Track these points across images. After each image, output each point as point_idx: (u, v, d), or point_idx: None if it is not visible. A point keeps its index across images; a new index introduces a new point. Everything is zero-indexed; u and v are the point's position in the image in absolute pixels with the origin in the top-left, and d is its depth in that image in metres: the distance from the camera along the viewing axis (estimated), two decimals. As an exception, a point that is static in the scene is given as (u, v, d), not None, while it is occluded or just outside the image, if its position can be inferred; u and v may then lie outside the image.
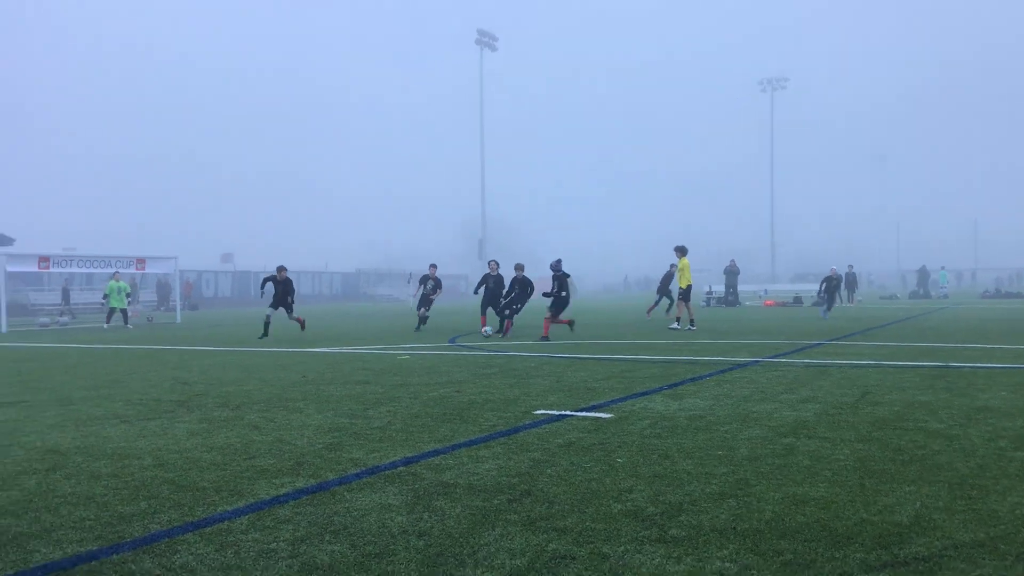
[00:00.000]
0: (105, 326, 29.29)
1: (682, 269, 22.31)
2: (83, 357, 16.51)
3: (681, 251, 22.42)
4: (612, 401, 9.05)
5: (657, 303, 28.94)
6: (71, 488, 5.54)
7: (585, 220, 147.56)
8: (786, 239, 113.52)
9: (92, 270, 31.10)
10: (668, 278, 28.09)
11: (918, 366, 12.00)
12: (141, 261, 32.92)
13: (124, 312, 29.95)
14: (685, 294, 21.94)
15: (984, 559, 3.88)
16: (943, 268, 60.37)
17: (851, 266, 45.30)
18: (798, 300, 42.84)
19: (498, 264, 22.24)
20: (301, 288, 72.57)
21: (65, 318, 34.76)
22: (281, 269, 21.43)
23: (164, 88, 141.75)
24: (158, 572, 3.89)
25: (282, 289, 21.23)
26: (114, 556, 4.13)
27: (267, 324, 21.04)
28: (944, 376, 10.79)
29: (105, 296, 30.47)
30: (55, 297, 43.94)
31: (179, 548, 4.24)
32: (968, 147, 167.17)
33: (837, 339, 17.64)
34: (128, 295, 30.97)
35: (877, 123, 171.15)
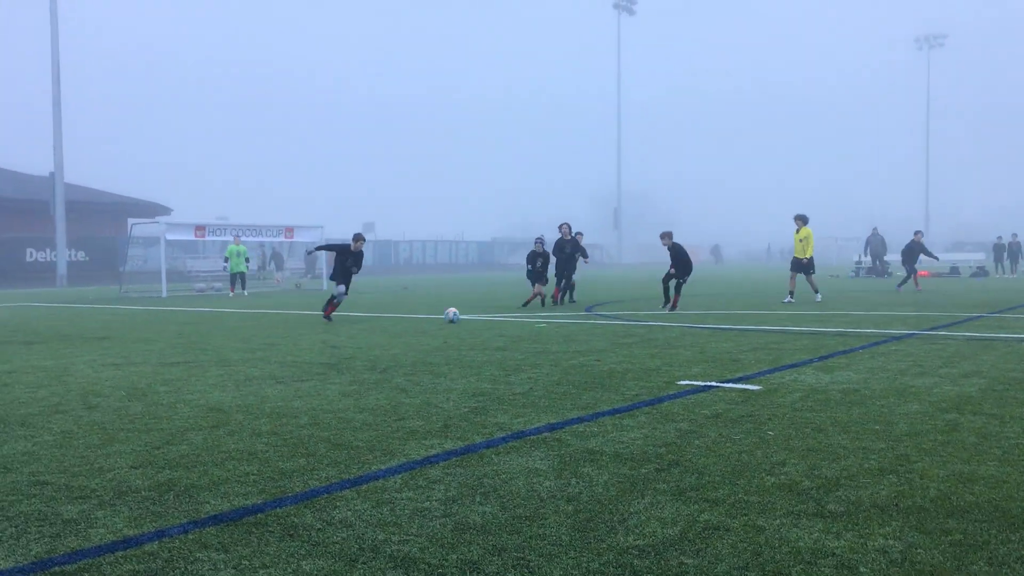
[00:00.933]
0: (231, 294, 28.57)
1: (804, 239, 21.02)
2: (239, 321, 17.37)
3: (802, 220, 21.07)
4: (760, 373, 8.82)
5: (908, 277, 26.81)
6: (235, 444, 5.83)
7: (724, 189, 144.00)
8: (942, 208, 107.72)
9: (245, 238, 32.51)
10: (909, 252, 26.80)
11: (1094, 341, 11.16)
12: (290, 230, 34.29)
13: (243, 277, 29.54)
14: (808, 266, 20.77)
15: None
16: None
17: (1015, 235, 42.51)
18: (955, 271, 40.55)
19: (570, 228, 21.14)
20: (439, 256, 74.19)
21: (219, 284, 36.66)
22: (358, 238, 17.19)
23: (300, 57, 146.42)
24: (319, 526, 4.04)
25: (353, 262, 16.99)
26: (277, 510, 4.32)
27: (336, 303, 16.91)
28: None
29: (226, 259, 30.19)
30: (211, 264, 46.37)
31: (338, 504, 4.40)
32: None
33: (1001, 312, 16.61)
34: (248, 260, 30.54)
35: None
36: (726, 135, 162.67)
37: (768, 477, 4.80)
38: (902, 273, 28.24)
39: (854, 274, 40.06)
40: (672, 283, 18.47)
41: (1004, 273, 40.39)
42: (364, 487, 4.70)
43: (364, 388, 8.14)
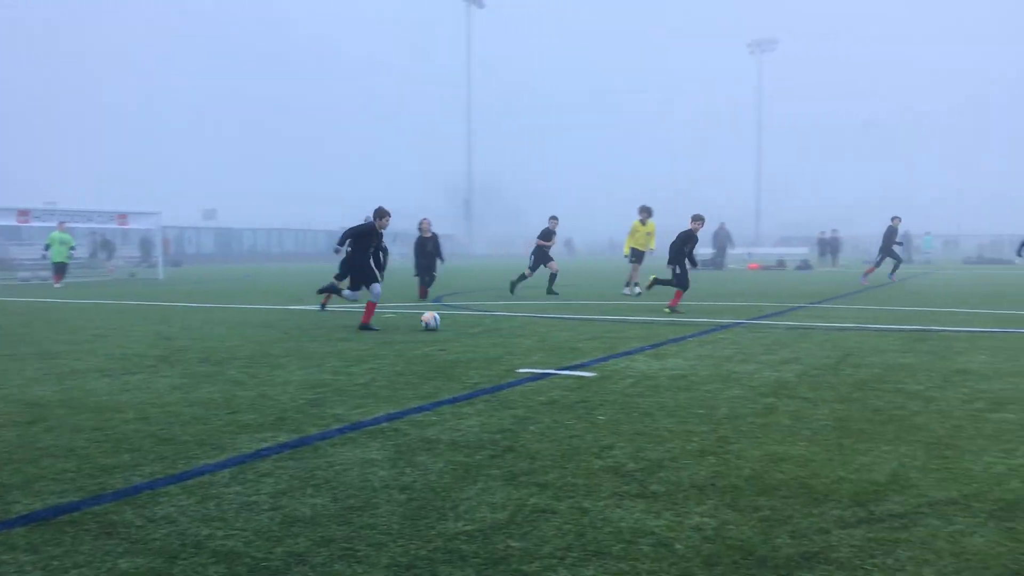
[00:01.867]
0: (56, 284, 26.19)
1: (651, 232, 21.18)
2: (65, 312, 16.41)
3: (647, 212, 21.04)
4: (595, 360, 9.08)
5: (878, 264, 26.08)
6: (52, 440, 5.53)
7: (573, 183, 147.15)
8: (772, 204, 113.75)
9: (74, 224, 30.65)
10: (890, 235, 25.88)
11: (899, 329, 12.10)
12: (123, 216, 32.61)
13: (63, 267, 26.95)
14: (641, 258, 20.91)
15: (957, 517, 3.94)
16: (928, 233, 60.65)
17: (835, 230, 45.49)
18: (781, 264, 43.00)
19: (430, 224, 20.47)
20: (284, 245, 72.42)
21: (45, 273, 34.51)
22: (383, 213, 12.61)
23: (144, 41, 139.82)
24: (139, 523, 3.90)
25: (379, 246, 12.96)
26: (95, 507, 4.13)
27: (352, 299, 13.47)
28: (925, 339, 10.88)
29: (47, 247, 27.43)
30: (37, 252, 43.56)
31: (161, 500, 4.25)
32: (952, 116, 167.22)
33: (819, 302, 17.74)
34: (72, 248, 27.95)
35: (865, 88, 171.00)
36: (574, 129, 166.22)
37: (596, 460, 4.97)
38: (735, 266, 29.53)
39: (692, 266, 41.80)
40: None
41: (827, 266, 43.13)
42: (190, 482, 4.56)
43: (196, 381, 7.87)
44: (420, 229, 20.12)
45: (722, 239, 41.39)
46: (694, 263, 16.54)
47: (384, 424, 5.98)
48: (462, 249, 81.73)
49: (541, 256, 20.68)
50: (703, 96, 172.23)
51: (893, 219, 25.81)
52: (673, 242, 15.94)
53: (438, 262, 20.18)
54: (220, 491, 4.39)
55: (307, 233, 75.38)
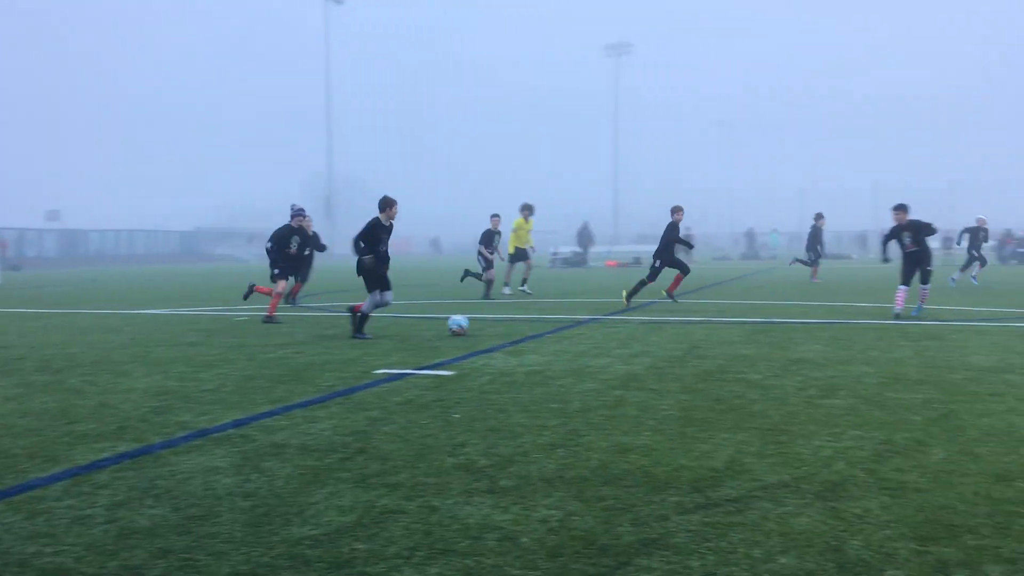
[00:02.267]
0: None
1: (519, 229, 21.12)
2: None
3: (529, 210, 21.04)
4: (454, 359, 9.11)
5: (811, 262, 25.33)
6: None
7: (439, 181, 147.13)
8: (629, 202, 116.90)
9: None
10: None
11: (743, 322, 12.67)
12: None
13: None
14: (520, 256, 20.90)
15: (787, 498, 4.16)
16: (774, 230, 63.72)
17: (688, 228, 47.12)
18: (638, 261, 44.25)
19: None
20: (136, 247, 69.32)
21: None
22: (391, 203, 11.58)
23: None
24: (-42, 544, 3.66)
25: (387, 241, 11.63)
26: (-91, 530, 3.85)
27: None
28: (766, 331, 11.43)
29: None
30: None
31: (-17, 519, 4.00)
32: (795, 118, 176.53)
33: (669, 298, 18.34)
34: None
35: (718, 90, 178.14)
36: (437, 126, 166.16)
37: (449, 458, 4.99)
38: (595, 263, 30.06)
39: (551, 264, 42.55)
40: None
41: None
42: (17, 498, 4.30)
43: (32, 391, 7.44)
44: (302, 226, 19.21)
45: (585, 238, 42.26)
46: (690, 245, 17.77)
47: (231, 430, 5.82)
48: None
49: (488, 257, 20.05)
50: (563, 97, 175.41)
51: (817, 218, 25.60)
52: (663, 235, 16.55)
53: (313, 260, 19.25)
54: (51, 506, 4.17)
55: (159, 234, 72.40)
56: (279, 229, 14.38)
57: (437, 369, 8.41)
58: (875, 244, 72.07)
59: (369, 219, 11.35)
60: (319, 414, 6.31)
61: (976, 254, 21.92)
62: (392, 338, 11.14)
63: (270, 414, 6.34)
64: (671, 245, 16.55)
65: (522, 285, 19.93)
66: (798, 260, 26.17)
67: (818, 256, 25.11)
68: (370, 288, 11.35)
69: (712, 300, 17.41)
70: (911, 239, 12.78)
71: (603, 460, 4.90)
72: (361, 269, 11.23)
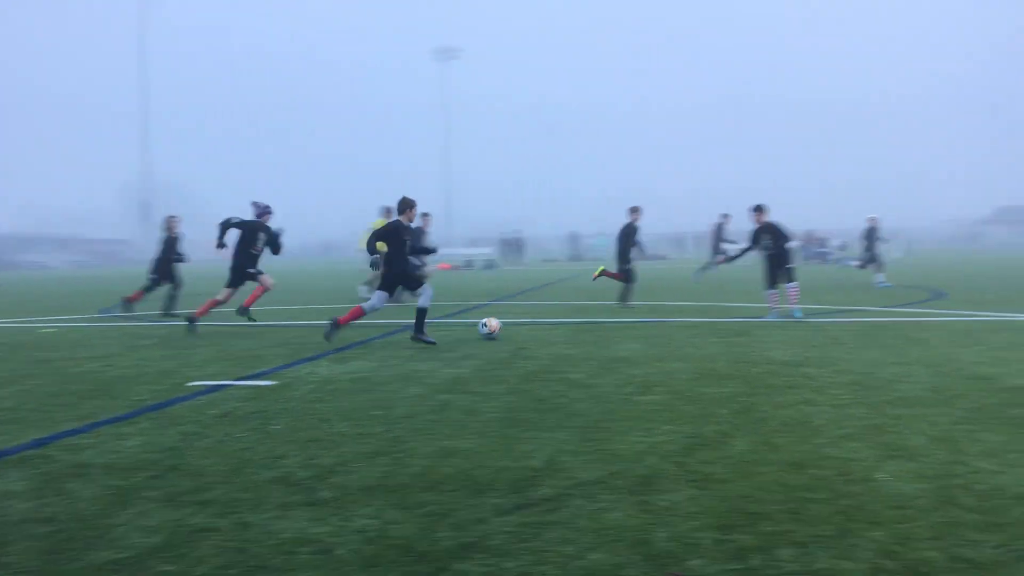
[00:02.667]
0: None
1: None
2: None
3: (390, 211, 20.21)
4: (276, 368, 8.87)
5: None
6: None
7: (269, 182, 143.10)
8: (461, 205, 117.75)
9: None
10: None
11: (568, 322, 13.01)
12: None
13: None
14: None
15: (601, 495, 4.30)
16: (600, 233, 65.79)
17: (518, 230, 47.97)
18: (469, 264, 44.62)
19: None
20: (-74, 255, 63.45)
21: None
22: (410, 204, 11.28)
23: None
24: None
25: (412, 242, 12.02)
26: None
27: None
28: (589, 331, 11.78)
29: None
30: None
31: None
32: (633, 121, 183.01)
33: (501, 299, 18.62)
34: None
35: (549, 95, 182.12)
36: (263, 125, 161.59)
37: (266, 472, 4.85)
38: (428, 266, 30.03)
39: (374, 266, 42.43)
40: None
41: (511, 265, 45.36)
42: None
43: None
44: (168, 228, 17.06)
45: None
46: (642, 250, 16.73)
47: (31, 451, 5.43)
48: (139, 254, 76.39)
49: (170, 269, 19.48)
50: (395, 100, 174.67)
51: (722, 216, 25.31)
52: (620, 236, 16.12)
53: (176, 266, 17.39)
54: None
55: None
56: (246, 223, 13.21)
57: (258, 379, 8.16)
58: (692, 245, 75.73)
59: (393, 223, 11.12)
60: (128, 430, 5.99)
61: (871, 253, 22.18)
62: (210, 347, 10.73)
63: (75, 432, 5.96)
64: (629, 247, 16.30)
65: (364, 285, 19.70)
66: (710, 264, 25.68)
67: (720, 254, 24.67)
68: (390, 288, 11.24)
69: (539, 301, 17.77)
70: (771, 241, 12.86)
71: (425, 466, 4.90)
72: (394, 274, 11.19)
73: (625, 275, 16.01)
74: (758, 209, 13.12)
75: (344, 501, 4.27)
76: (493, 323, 11.18)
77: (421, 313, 10.86)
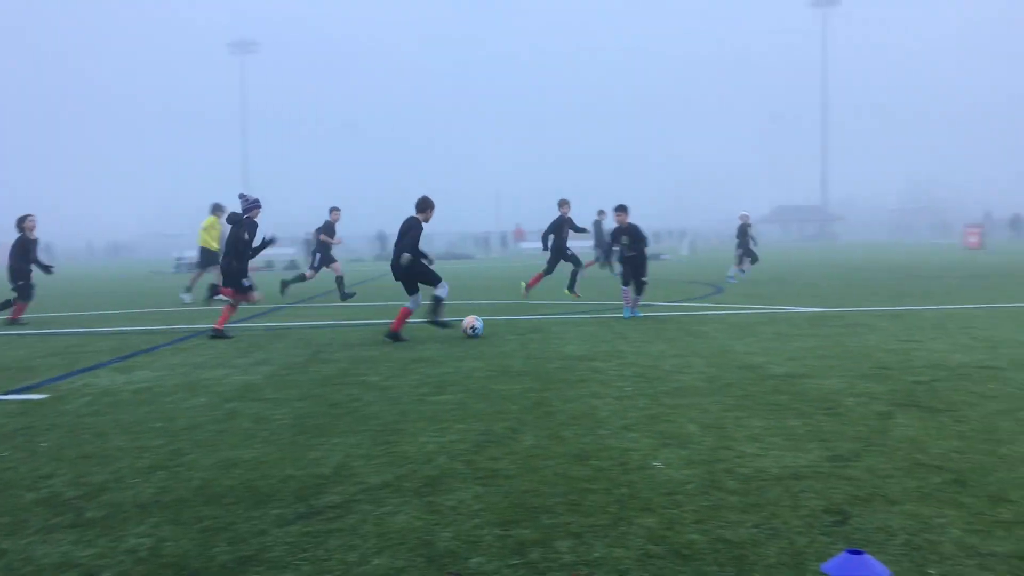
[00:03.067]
0: None
1: (211, 228, 18.59)
2: None
3: (220, 209, 18.22)
4: (50, 380, 8.26)
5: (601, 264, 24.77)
6: None
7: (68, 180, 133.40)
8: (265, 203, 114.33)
9: None
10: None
11: (369, 324, 12.89)
12: None
13: None
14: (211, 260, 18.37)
15: (388, 498, 4.28)
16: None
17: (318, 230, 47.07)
18: (270, 265, 43.35)
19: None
20: None
21: None
22: (431, 204, 11.29)
23: None
24: None
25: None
26: None
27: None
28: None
29: None
30: None
31: None
32: (410, 118, 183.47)
33: (301, 302, 18.19)
34: None
35: (344, 91, 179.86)
36: (62, 128, 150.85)
37: (29, 493, 4.50)
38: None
39: (176, 269, 40.42)
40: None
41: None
42: None
43: None
44: (23, 228, 14.59)
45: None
46: (583, 230, 17.80)
47: None
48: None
49: (325, 256, 18.74)
50: (188, 96, 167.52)
51: (600, 213, 24.68)
52: (551, 229, 16.70)
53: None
54: None
55: None
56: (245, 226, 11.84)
57: (27, 393, 7.57)
58: (497, 245, 77.01)
59: (409, 220, 11.02)
60: None
61: (745, 250, 22.63)
62: (-24, 360, 9.85)
63: None
64: (562, 238, 16.81)
65: (186, 293, 18.67)
66: (597, 262, 25.27)
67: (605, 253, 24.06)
68: (413, 289, 11.14)
69: (340, 304, 17.50)
70: (629, 244, 12.73)
71: (206, 479, 4.71)
72: (415, 272, 11.05)
73: (550, 267, 17.01)
74: (620, 209, 13.03)
75: (115, 520, 4.03)
76: (468, 321, 11.13)
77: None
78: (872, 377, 7.28)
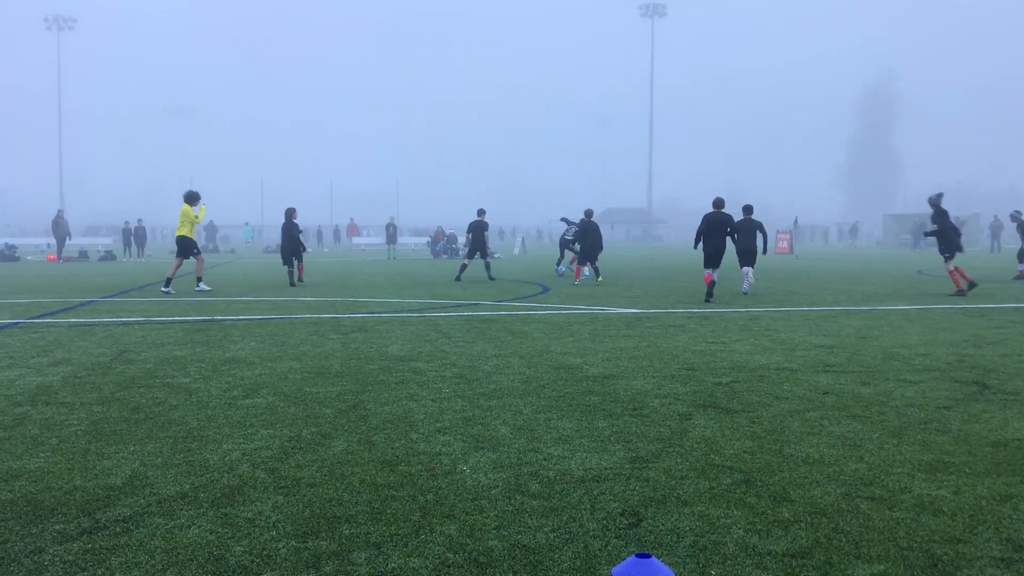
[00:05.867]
0: None
1: (188, 218, 18.16)
2: None
3: (190, 198, 18.15)
4: None
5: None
6: None
7: None
8: (80, 191, 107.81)
9: None
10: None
11: (183, 321, 12.33)
12: None
13: None
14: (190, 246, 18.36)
15: (182, 511, 4.09)
16: (247, 223, 63.62)
17: (140, 220, 44.79)
18: (84, 255, 40.86)
19: None
20: None
21: None
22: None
23: None
24: None
25: None
26: None
27: None
28: (206, 330, 11.25)
29: None
30: None
31: None
32: (260, 108, 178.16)
33: (114, 296, 17.21)
34: None
35: (173, 76, 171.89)
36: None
37: None
38: (33, 257, 27.14)
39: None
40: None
41: (131, 257, 42.17)
42: None
43: None
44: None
45: (62, 229, 37.60)
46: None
47: None
48: None
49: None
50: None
51: (480, 213, 24.21)
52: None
53: None
54: None
55: None
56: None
57: None
58: (329, 238, 75.62)
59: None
60: None
61: (573, 248, 22.92)
62: None
63: None
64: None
65: (165, 286, 17.88)
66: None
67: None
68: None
69: (154, 298, 16.67)
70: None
71: (-18, 493, 4.35)
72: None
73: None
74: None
75: None
76: None
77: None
78: (678, 378, 7.61)
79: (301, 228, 21.84)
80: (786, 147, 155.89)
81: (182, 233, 18.25)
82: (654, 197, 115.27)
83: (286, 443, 5.35)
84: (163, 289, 17.71)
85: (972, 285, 16.86)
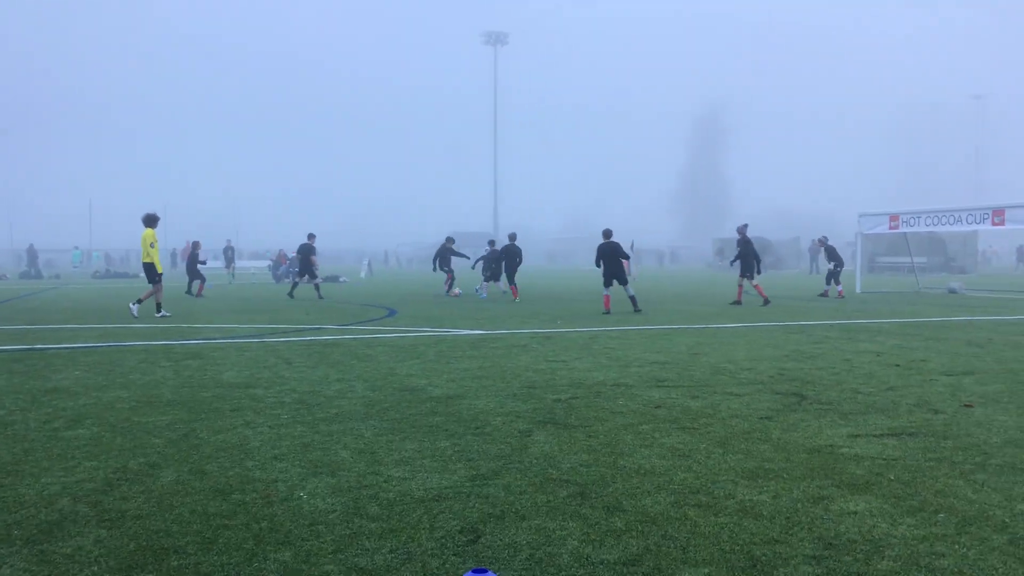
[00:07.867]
0: None
1: (151, 242, 17.44)
2: None
3: (149, 221, 17.40)
4: None
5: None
6: None
7: None
8: None
9: None
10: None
11: (2, 350, 11.52)
12: None
13: None
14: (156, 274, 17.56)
15: (-9, 550, 3.82)
16: (76, 248, 60.15)
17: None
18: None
19: None
20: None
21: None
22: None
23: None
24: None
25: None
26: None
27: None
28: (25, 359, 10.56)
29: None
30: None
31: None
32: (80, 131, 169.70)
33: (-82, 325, 15.87)
34: None
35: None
36: None
37: None
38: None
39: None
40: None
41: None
42: None
43: None
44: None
45: None
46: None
47: None
48: None
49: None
50: None
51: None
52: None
53: None
54: None
55: None
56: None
57: None
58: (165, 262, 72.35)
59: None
60: None
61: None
62: None
63: None
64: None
65: (135, 304, 17.62)
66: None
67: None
68: None
69: (-31, 327, 15.49)
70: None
71: None
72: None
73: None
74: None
75: None
76: None
77: None
78: (519, 396, 7.73)
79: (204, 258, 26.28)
80: (624, 174, 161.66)
81: (148, 260, 17.53)
82: (500, 223, 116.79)
83: (111, 475, 5.08)
84: (157, 315, 17.29)
85: (766, 302, 20.56)
